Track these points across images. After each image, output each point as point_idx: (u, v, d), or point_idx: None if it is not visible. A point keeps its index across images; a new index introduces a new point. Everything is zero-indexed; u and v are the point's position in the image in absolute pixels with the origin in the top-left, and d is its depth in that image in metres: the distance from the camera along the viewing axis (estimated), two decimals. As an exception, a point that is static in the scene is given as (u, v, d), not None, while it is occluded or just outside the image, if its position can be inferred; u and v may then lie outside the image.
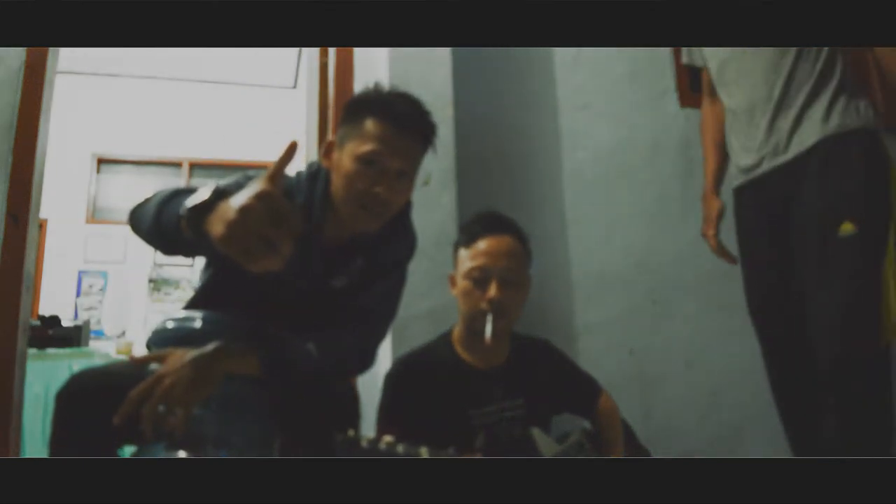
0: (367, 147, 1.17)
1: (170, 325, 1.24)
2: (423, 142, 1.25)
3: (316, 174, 1.28)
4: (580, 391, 1.55)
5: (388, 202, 1.20)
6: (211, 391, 1.04)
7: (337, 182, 1.22)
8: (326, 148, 1.27)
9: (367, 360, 1.28)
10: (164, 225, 1.02)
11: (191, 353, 1.04)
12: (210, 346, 1.06)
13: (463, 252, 1.45)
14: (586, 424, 1.54)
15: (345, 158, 1.20)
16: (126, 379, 1.17)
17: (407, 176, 1.22)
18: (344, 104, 1.29)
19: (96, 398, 1.10)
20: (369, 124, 1.19)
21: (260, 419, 1.18)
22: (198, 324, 1.21)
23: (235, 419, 1.16)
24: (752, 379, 2.06)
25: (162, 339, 1.21)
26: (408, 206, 1.34)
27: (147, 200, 1.12)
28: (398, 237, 1.34)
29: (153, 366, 1.14)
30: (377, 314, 1.30)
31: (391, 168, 1.19)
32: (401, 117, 1.20)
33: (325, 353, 1.15)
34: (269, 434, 1.19)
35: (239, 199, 0.85)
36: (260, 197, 0.84)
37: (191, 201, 0.94)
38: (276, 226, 0.84)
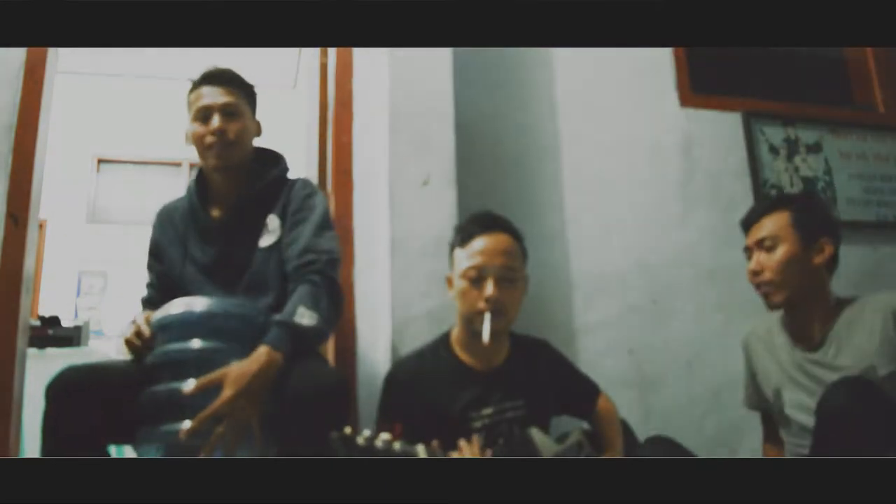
0: (194, 106, 1.50)
1: (174, 310, 1.27)
2: (234, 84, 1.54)
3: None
4: (579, 393, 1.55)
5: (223, 132, 1.47)
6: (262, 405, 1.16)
7: (194, 147, 1.52)
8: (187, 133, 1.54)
9: (340, 300, 1.43)
10: None
11: (241, 378, 1.14)
12: (252, 368, 1.16)
13: (459, 252, 1.45)
14: (585, 424, 1.54)
15: (189, 121, 1.52)
16: (115, 375, 1.21)
17: (231, 110, 1.50)
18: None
19: (86, 392, 1.12)
20: (193, 94, 1.52)
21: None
22: (202, 307, 1.28)
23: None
24: (752, 379, 2.05)
25: (167, 324, 1.28)
26: (279, 159, 1.60)
27: None
28: (292, 188, 1.54)
29: (154, 354, 1.26)
30: (322, 254, 1.42)
31: (214, 108, 1.48)
32: (206, 75, 1.53)
33: (319, 314, 1.29)
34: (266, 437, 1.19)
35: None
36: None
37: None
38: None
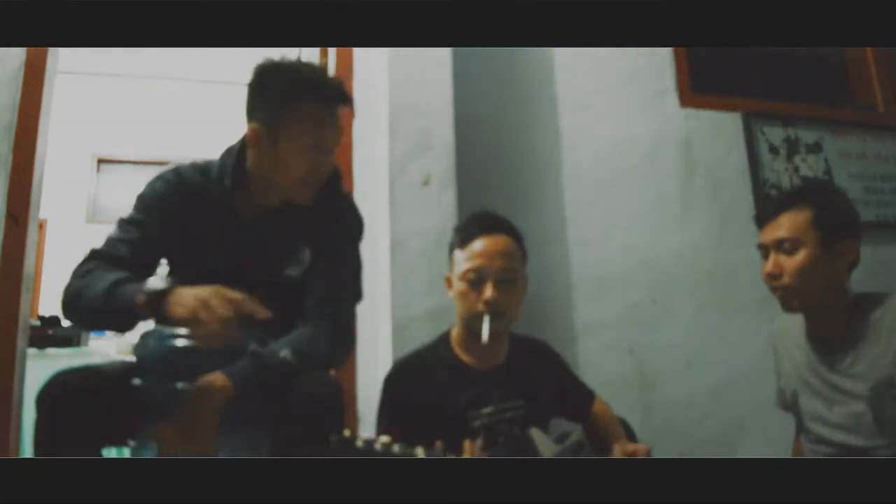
0: (303, 124, 1.24)
1: (151, 341, 1.22)
2: (346, 105, 1.31)
3: (230, 150, 1.36)
4: (575, 397, 1.55)
5: (321, 172, 1.30)
6: (215, 428, 1.10)
7: (269, 163, 1.29)
8: (252, 133, 1.30)
9: (344, 349, 1.33)
10: (116, 306, 1.15)
11: (182, 419, 1.09)
12: (196, 404, 1.10)
13: (458, 253, 1.44)
14: (585, 425, 1.54)
15: (282, 143, 1.26)
16: (105, 379, 1.19)
17: (338, 144, 1.32)
18: (256, 81, 1.31)
19: (78, 401, 1.11)
20: (305, 106, 1.24)
21: (244, 428, 1.18)
22: (180, 342, 1.21)
23: (220, 430, 1.15)
24: (752, 379, 2.06)
25: (144, 352, 1.23)
26: (339, 179, 1.40)
27: (80, 281, 1.20)
28: (339, 215, 1.40)
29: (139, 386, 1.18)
30: (342, 299, 1.35)
31: (328, 146, 1.28)
32: (318, 84, 1.26)
33: (302, 356, 1.18)
34: (256, 443, 1.19)
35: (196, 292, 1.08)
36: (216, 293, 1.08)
37: (151, 287, 1.14)
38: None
